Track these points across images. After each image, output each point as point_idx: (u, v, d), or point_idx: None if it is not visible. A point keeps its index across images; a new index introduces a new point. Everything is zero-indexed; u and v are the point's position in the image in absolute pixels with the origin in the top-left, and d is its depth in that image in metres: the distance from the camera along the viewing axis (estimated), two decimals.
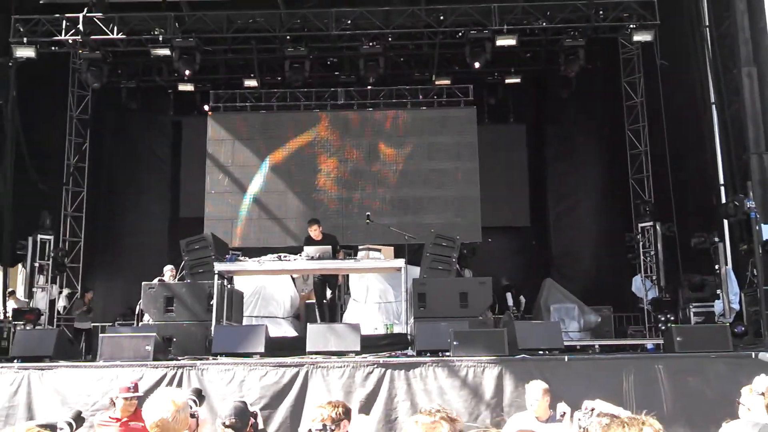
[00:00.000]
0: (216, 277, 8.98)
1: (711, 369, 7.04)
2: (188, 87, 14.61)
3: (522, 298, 12.74)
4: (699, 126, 12.08)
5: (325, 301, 10.93)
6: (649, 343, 10.22)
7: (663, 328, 10.46)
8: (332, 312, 10.91)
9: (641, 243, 13.06)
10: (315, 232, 10.30)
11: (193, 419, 4.25)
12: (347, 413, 3.78)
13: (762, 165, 10.45)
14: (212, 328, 8.55)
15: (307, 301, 11.75)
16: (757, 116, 10.66)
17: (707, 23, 11.99)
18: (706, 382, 6.90)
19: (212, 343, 8.15)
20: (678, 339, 7.49)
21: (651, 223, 12.89)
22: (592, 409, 4.17)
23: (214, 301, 8.80)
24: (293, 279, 11.80)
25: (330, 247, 9.49)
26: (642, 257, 13.06)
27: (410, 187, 14.19)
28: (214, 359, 7.74)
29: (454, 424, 2.81)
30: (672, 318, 10.74)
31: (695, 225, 11.21)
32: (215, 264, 9.13)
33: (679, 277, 11.32)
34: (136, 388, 6.07)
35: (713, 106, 11.75)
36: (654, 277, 12.78)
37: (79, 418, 4.68)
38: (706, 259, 10.47)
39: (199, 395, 5.76)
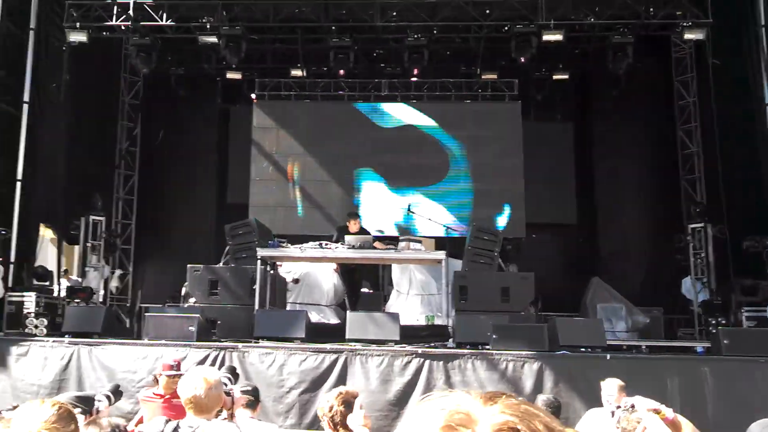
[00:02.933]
0: (259, 262, 9.09)
1: (759, 374, 6.88)
2: (236, 75, 14.77)
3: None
4: (753, 127, 11.78)
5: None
6: (699, 346, 10.00)
7: (713, 331, 10.22)
8: (367, 301, 10.93)
9: (691, 244, 12.77)
10: (355, 226, 10.34)
11: (228, 397, 4.34)
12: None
13: None
14: (255, 312, 8.67)
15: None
16: None
17: (763, 22, 11.68)
18: (753, 386, 6.75)
19: (254, 327, 8.27)
20: (725, 342, 7.33)
21: (702, 225, 12.61)
22: (632, 406, 4.11)
23: (257, 286, 8.92)
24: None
25: (371, 236, 9.53)
26: (692, 259, 12.77)
27: (453, 181, 14.13)
28: (255, 342, 7.86)
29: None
30: (723, 321, 10.47)
31: (748, 227, 10.94)
32: (258, 249, 9.24)
33: (731, 280, 11.06)
34: (179, 366, 6.19)
35: (767, 107, 11.45)
36: (704, 280, 12.49)
37: (117, 392, 4.82)
38: (759, 263, 10.21)
39: (234, 373, 5.88)
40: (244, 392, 4.48)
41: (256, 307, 8.70)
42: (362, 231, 10.40)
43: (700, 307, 12.02)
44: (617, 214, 14.32)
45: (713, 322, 10.52)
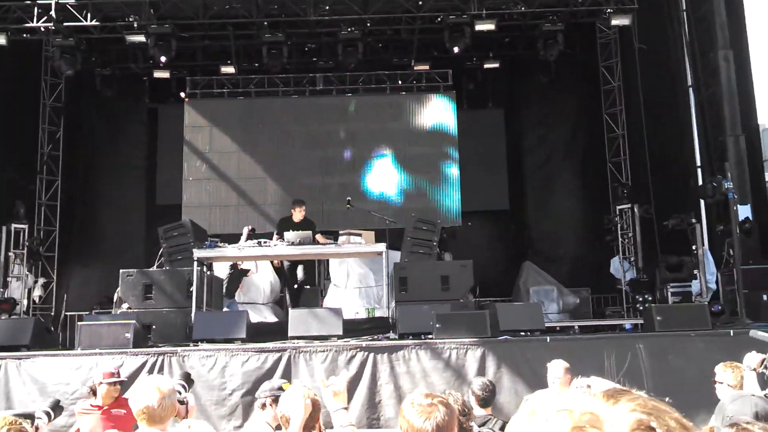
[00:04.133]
0: (195, 263, 8.91)
1: (691, 347, 7.14)
2: (164, 74, 14.35)
3: None
4: (676, 109, 12.21)
5: (295, 285, 10.87)
6: (627, 323, 10.36)
7: (641, 308, 10.57)
8: (305, 296, 10.86)
9: (619, 225, 13.17)
10: (300, 213, 10.23)
11: (182, 405, 4.20)
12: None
13: (738, 147, 10.59)
14: (192, 314, 8.48)
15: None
16: (734, 99, 10.80)
17: (684, 7, 12.11)
18: (686, 360, 7.00)
19: (193, 330, 8.10)
20: (658, 318, 7.58)
21: (629, 206, 13.00)
22: (588, 386, 4.19)
23: (193, 288, 8.74)
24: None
25: (310, 232, 9.46)
26: (620, 239, 13.19)
27: (390, 172, 14.15)
28: (195, 346, 7.69)
29: (451, 409, 2.82)
30: (650, 298, 10.86)
31: (672, 207, 11.33)
32: (194, 251, 9.05)
33: (657, 258, 11.45)
34: (119, 373, 6.00)
35: (690, 89, 11.88)
36: (632, 259, 12.92)
37: (57, 407, 4.64)
38: (683, 240, 10.59)
39: (188, 379, 5.73)
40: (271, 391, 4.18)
41: (194, 309, 8.52)
42: (306, 220, 10.29)
43: (627, 285, 12.42)
44: (547, 198, 14.60)
45: (640, 299, 10.89)
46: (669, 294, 10.33)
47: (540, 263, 13.47)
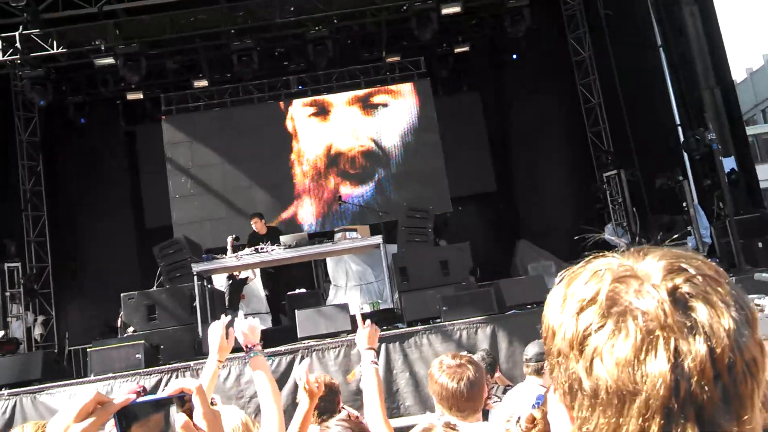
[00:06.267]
0: (195, 278, 8.88)
1: None
2: (137, 95, 14.28)
3: None
4: (648, 70, 12.32)
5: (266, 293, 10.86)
6: None
7: None
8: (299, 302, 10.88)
9: (608, 192, 13.28)
10: (258, 225, 10.23)
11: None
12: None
13: (714, 99, 10.73)
14: (199, 329, 8.45)
15: (290, 293, 11.64)
16: (704, 53, 10.94)
17: None
18: None
19: (201, 344, 8.06)
20: None
21: (614, 172, 13.11)
22: None
23: (197, 303, 8.71)
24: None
25: (305, 233, 9.47)
26: (610, 206, 13.30)
27: (375, 166, 14.17)
28: (205, 359, 7.67)
29: (478, 366, 2.86)
30: None
31: (657, 167, 11.45)
32: (192, 265, 9.03)
33: (649, 219, 11.55)
34: (145, 390, 6.00)
35: (660, 49, 12.01)
36: (624, 224, 13.03)
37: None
38: (673, 199, 10.70)
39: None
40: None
41: (200, 324, 8.50)
42: (271, 229, 10.30)
43: (624, 250, 12.45)
44: (533, 174, 14.60)
45: None
46: None
47: (534, 240, 13.53)
